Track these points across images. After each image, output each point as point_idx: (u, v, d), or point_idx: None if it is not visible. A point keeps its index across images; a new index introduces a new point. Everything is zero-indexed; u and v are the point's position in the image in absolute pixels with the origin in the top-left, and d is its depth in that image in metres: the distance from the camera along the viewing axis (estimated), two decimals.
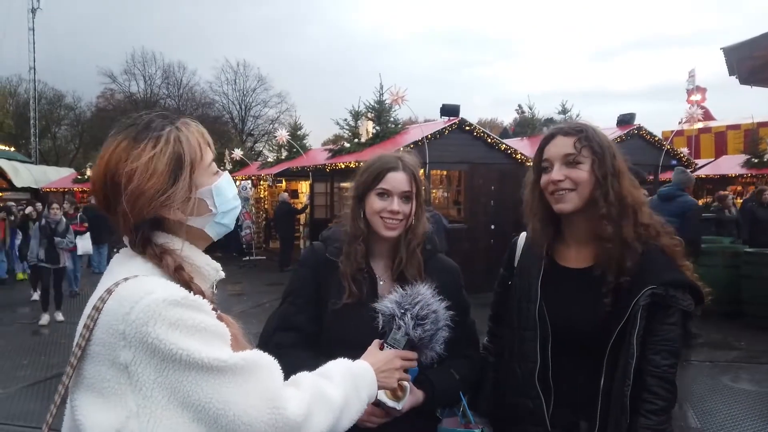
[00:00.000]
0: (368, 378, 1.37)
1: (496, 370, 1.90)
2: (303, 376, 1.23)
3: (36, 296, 9.72)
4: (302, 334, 1.78)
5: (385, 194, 1.78)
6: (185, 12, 67.92)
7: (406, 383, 1.63)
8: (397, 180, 1.78)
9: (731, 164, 16.97)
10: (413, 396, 1.69)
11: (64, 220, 9.06)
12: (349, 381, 1.29)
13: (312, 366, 1.73)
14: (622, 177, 1.65)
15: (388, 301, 1.57)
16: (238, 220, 14.97)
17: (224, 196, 1.23)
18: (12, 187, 22.23)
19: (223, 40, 62.82)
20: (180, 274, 1.13)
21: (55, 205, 9.09)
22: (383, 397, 1.60)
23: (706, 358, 6.48)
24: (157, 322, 0.99)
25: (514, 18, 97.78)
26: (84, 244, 10.68)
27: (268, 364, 1.12)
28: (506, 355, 1.81)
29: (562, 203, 1.67)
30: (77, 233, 10.09)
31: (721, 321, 7.65)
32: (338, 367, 1.31)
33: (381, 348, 1.52)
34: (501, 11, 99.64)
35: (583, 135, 1.66)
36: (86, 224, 10.74)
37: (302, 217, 16.30)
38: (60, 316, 8.69)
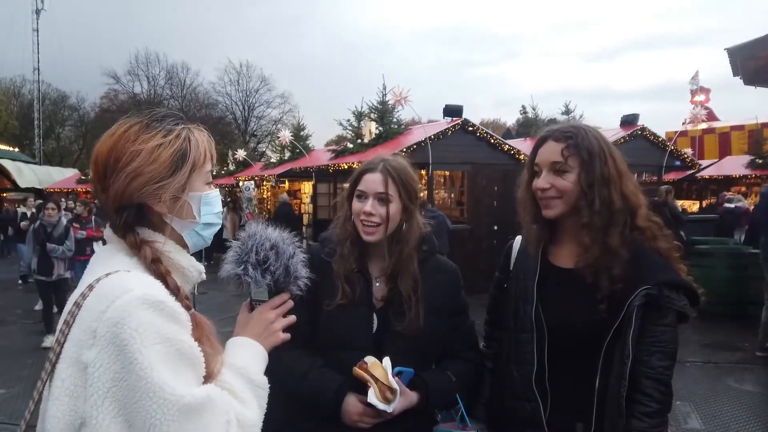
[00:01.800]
0: (256, 358, 1.28)
1: (494, 375, 1.90)
2: (229, 408, 1.12)
3: (38, 306, 8.30)
4: (298, 334, 1.78)
5: (362, 196, 1.78)
6: (188, 13, 68.10)
7: (396, 386, 1.63)
8: (371, 181, 1.76)
9: (735, 165, 16.90)
10: (406, 398, 1.69)
11: (64, 222, 7.64)
12: (250, 387, 1.21)
13: (308, 364, 1.72)
14: (612, 183, 1.62)
15: (227, 263, 1.41)
16: (240, 219, 14.85)
17: (210, 208, 1.25)
18: (16, 188, 22.31)
19: (227, 41, 63.05)
20: (156, 267, 1.14)
21: (50, 205, 7.66)
22: (374, 399, 1.59)
23: (710, 360, 6.45)
24: (131, 322, 0.98)
25: (517, 18, 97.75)
26: None
27: (213, 407, 1.06)
28: (503, 359, 1.81)
29: (548, 209, 1.69)
30: (93, 239, 8.70)
31: (725, 322, 7.62)
32: (237, 380, 1.20)
33: (251, 308, 1.40)
34: (503, 11, 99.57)
35: (572, 142, 1.63)
36: (104, 229, 9.70)
37: (305, 218, 16.30)
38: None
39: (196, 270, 1.24)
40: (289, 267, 1.39)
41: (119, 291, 1.02)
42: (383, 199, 1.75)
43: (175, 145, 1.16)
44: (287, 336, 1.38)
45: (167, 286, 1.11)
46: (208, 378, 1.11)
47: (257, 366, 1.26)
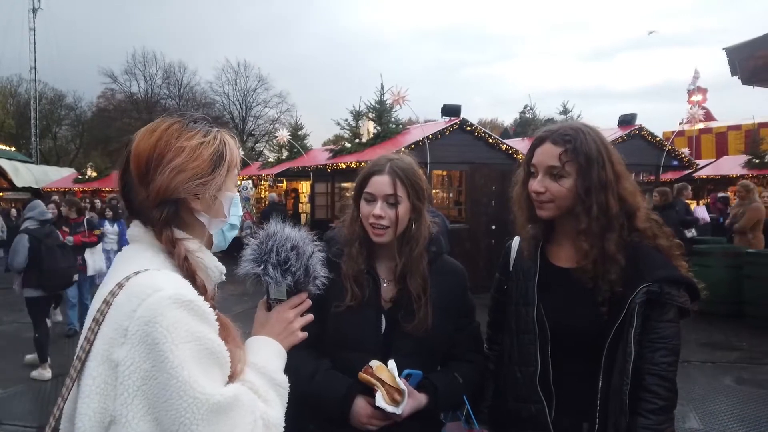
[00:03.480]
0: (277, 357, 1.28)
1: (497, 377, 1.89)
2: (255, 408, 1.13)
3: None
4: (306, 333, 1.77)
5: (370, 198, 1.76)
6: (186, 12, 68.04)
7: (404, 387, 1.62)
8: (379, 183, 1.75)
9: (732, 165, 16.94)
10: (415, 400, 1.68)
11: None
12: (272, 386, 1.22)
13: (315, 366, 1.72)
14: (610, 188, 1.61)
15: (246, 261, 1.39)
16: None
17: (237, 210, 1.29)
18: (13, 187, 22.26)
19: (224, 40, 63.01)
20: (187, 265, 1.15)
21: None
22: (382, 402, 1.59)
23: (708, 359, 6.46)
24: (163, 320, 0.99)
25: (514, 17, 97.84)
26: (96, 260, 7.88)
27: (241, 407, 1.07)
28: (506, 361, 1.80)
29: (541, 211, 1.70)
30: (85, 245, 7.63)
31: (722, 321, 7.64)
32: (259, 380, 1.20)
33: (269, 307, 1.39)
34: (500, 11, 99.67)
35: (571, 147, 1.62)
36: (98, 232, 8.00)
37: (303, 217, 16.30)
38: (45, 373, 6.02)
39: (219, 270, 1.26)
40: (308, 267, 1.38)
41: (150, 289, 1.03)
42: (392, 201, 1.74)
43: (214, 145, 1.20)
44: (305, 335, 1.38)
45: (195, 285, 1.13)
46: (231, 377, 1.11)
47: (277, 364, 1.27)
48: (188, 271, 1.15)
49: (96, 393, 1.01)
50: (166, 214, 1.16)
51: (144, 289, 1.03)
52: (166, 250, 1.16)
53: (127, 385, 0.98)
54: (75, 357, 1.06)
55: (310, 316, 1.40)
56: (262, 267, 1.36)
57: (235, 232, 1.31)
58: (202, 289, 1.14)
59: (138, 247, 1.18)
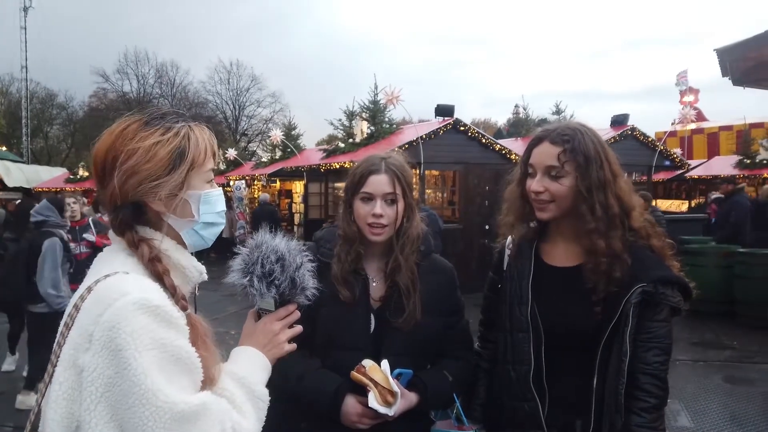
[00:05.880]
0: (259, 369, 1.27)
1: (490, 376, 1.90)
2: (225, 417, 1.10)
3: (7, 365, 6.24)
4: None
5: (368, 198, 1.76)
6: (179, 11, 67.73)
7: (397, 389, 1.62)
8: (378, 182, 1.75)
9: (723, 165, 17.04)
10: (406, 399, 1.68)
11: None
12: (250, 398, 1.20)
13: (305, 366, 1.70)
14: (608, 187, 1.62)
15: (234, 272, 1.39)
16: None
17: (211, 207, 1.22)
18: (4, 187, 22.08)
19: (217, 40, 62.72)
20: (154, 265, 1.12)
21: None
22: (374, 403, 1.59)
23: (700, 358, 6.51)
24: (126, 326, 0.97)
25: (506, 18, 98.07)
26: None
27: (209, 415, 1.05)
28: (500, 359, 1.81)
29: (541, 212, 1.70)
30: (96, 249, 5.61)
31: (714, 321, 7.69)
32: (238, 390, 1.19)
33: (258, 317, 1.38)
34: (492, 11, 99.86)
35: (569, 146, 1.62)
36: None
37: (296, 217, 16.25)
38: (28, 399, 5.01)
39: (197, 270, 1.23)
40: (295, 279, 1.37)
41: (116, 294, 1.01)
42: (391, 199, 1.75)
43: (174, 142, 1.14)
44: (293, 347, 1.37)
45: (164, 285, 1.10)
46: (206, 383, 1.09)
47: (259, 377, 1.25)
48: (155, 271, 1.12)
49: (63, 398, 1.00)
50: (122, 218, 1.14)
51: (110, 294, 1.01)
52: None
53: (90, 391, 0.97)
54: (49, 362, 1.06)
55: (298, 328, 1.39)
56: (247, 278, 1.35)
57: (216, 230, 1.26)
58: (171, 290, 1.11)
59: (114, 248, 1.17)
